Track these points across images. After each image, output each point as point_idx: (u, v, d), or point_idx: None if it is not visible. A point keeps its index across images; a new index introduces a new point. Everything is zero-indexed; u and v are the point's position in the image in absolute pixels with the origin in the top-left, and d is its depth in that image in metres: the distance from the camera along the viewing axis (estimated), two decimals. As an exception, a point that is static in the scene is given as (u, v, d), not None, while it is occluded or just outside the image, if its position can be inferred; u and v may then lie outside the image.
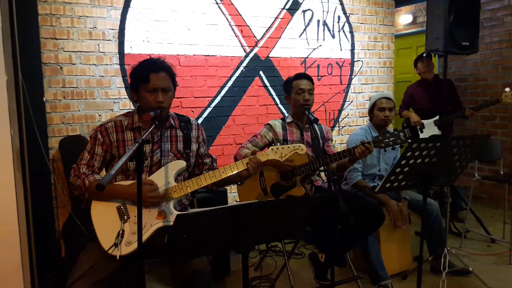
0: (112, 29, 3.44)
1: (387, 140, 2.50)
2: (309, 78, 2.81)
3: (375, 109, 3.16)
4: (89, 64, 3.38)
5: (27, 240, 2.65)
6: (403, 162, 2.03)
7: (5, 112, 2.45)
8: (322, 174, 3.20)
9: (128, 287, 1.97)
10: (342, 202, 2.08)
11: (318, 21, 4.40)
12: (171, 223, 1.90)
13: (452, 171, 2.26)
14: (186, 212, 1.35)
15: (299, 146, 2.11)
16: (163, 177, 1.98)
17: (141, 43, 3.56)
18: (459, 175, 2.33)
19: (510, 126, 4.88)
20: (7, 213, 2.47)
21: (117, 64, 3.48)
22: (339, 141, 4.58)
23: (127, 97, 3.54)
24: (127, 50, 3.52)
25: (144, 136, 1.63)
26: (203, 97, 3.88)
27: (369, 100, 3.30)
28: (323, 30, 4.45)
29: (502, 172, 4.02)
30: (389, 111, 3.11)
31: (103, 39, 3.41)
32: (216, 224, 1.42)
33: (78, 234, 2.89)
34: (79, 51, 3.33)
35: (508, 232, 3.58)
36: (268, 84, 4.18)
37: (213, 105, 3.93)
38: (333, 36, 4.50)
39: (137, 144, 1.54)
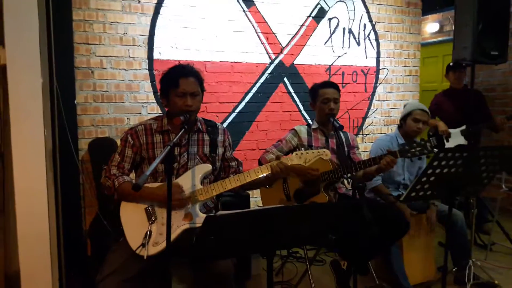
0: (142, 35, 3.54)
1: (413, 150, 2.48)
2: (335, 87, 2.82)
3: (409, 118, 3.10)
4: (119, 69, 3.48)
5: (57, 238, 2.73)
6: (429, 171, 2.02)
7: (40, 114, 2.54)
8: (345, 181, 3.20)
9: (155, 287, 2.01)
10: (366, 210, 2.09)
11: (344, 28, 4.41)
12: (197, 225, 1.95)
13: (479, 182, 2.23)
14: (215, 214, 1.38)
15: (324, 151, 2.10)
16: (190, 180, 2.03)
17: (169, 49, 3.65)
18: (486, 186, 2.30)
19: (540, 137, 4.76)
20: (38, 211, 2.55)
21: (146, 69, 3.58)
22: (362, 149, 4.56)
23: (155, 101, 3.62)
24: (156, 56, 3.61)
25: (175, 139, 1.68)
26: (228, 102, 3.94)
27: (404, 107, 3.26)
28: (349, 38, 4.46)
29: (530, 184, 3.94)
30: (422, 124, 3.06)
31: (133, 45, 3.51)
32: (243, 226, 1.45)
33: (105, 234, 2.97)
34: (110, 56, 3.44)
35: (535, 246, 3.49)
36: (292, 91, 4.21)
37: (237, 110, 3.98)
38: (358, 44, 4.50)
39: (169, 147, 1.59)
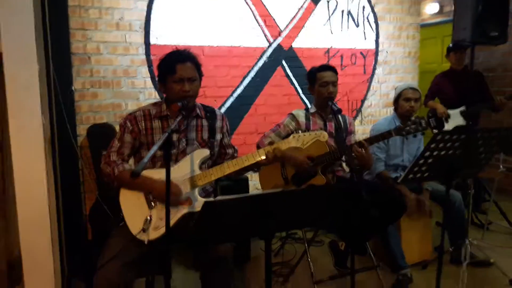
0: (139, 20, 3.52)
1: (408, 127, 2.51)
2: (333, 70, 2.81)
3: (400, 99, 3.14)
4: (116, 54, 3.47)
5: (57, 223, 2.76)
6: (427, 153, 2.03)
7: (37, 100, 2.54)
8: (344, 164, 3.22)
9: (155, 270, 2.04)
10: (364, 192, 2.11)
11: (343, 11, 4.37)
12: (196, 210, 1.96)
13: (477, 163, 2.24)
14: (213, 199, 1.40)
15: (321, 133, 2.07)
16: (189, 165, 2.04)
17: (166, 34, 3.62)
18: (484, 167, 2.32)
19: (538, 118, 4.77)
20: (38, 198, 2.57)
21: (143, 54, 3.56)
22: (361, 131, 4.56)
23: (152, 86, 3.62)
24: (152, 40, 3.59)
25: (173, 125, 1.69)
26: (226, 86, 3.93)
27: (395, 90, 3.28)
28: (347, 20, 4.41)
29: (528, 164, 3.96)
30: (414, 102, 3.08)
31: (129, 30, 3.49)
32: (241, 211, 1.47)
33: (105, 219, 3.01)
34: (107, 41, 3.42)
35: (532, 225, 3.53)
36: (290, 74, 4.20)
37: (235, 94, 3.98)
38: (357, 26, 4.46)
39: (167, 134, 1.60)
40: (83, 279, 2.84)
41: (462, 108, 4.07)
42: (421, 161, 2.07)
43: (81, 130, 3.37)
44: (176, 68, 2.03)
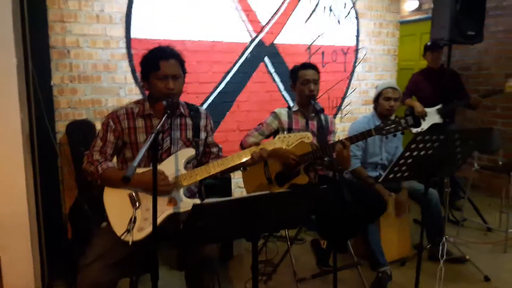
0: (119, 13, 3.44)
1: (388, 127, 2.55)
2: (315, 68, 2.84)
3: (380, 98, 3.19)
4: (96, 48, 3.39)
5: (36, 222, 2.71)
6: (407, 154, 2.08)
7: (15, 96, 2.48)
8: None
9: (140, 270, 2.03)
10: (346, 192, 2.15)
11: (324, 7, 4.39)
12: (181, 210, 1.96)
13: (454, 162, 2.31)
14: (202, 202, 1.40)
15: (306, 134, 2.12)
16: (173, 165, 2.03)
17: (147, 28, 3.56)
18: (461, 167, 2.39)
19: (511, 116, 4.92)
20: (17, 194, 2.52)
21: (123, 48, 3.49)
22: (341, 129, 4.62)
23: (133, 82, 3.56)
24: (133, 34, 3.52)
25: (159, 126, 1.67)
26: (208, 82, 3.90)
27: (376, 88, 3.32)
28: (329, 16, 4.44)
29: (500, 162, 4.08)
30: (394, 101, 3.14)
31: (110, 23, 3.41)
32: (229, 213, 1.49)
33: (85, 218, 2.96)
34: (86, 35, 3.33)
35: (504, 221, 3.66)
36: (272, 71, 4.20)
37: (217, 91, 3.96)
38: (338, 23, 4.50)
39: (154, 134, 1.58)
40: (64, 279, 2.79)
41: (439, 106, 4.16)
42: (401, 161, 2.12)
43: (60, 127, 3.29)
44: (160, 65, 2.00)
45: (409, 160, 2.12)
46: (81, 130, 3.20)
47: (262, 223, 1.56)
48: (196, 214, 1.38)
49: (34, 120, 2.74)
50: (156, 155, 1.66)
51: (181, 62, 2.10)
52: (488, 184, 5.02)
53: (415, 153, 2.09)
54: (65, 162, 3.27)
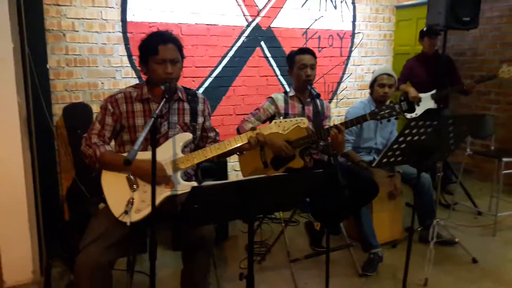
0: (115, -4, 3.42)
1: (382, 112, 2.58)
2: (311, 53, 2.85)
3: (375, 84, 3.22)
4: (92, 32, 3.38)
5: (34, 204, 2.75)
6: (400, 139, 2.12)
7: (13, 79, 2.49)
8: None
9: (137, 250, 2.08)
10: (340, 175, 2.20)
11: (321, -9, 4.37)
12: (179, 192, 2.00)
13: (447, 148, 2.36)
14: (201, 185, 1.44)
15: (301, 119, 2.17)
16: (171, 149, 2.06)
17: (143, 11, 3.55)
18: (454, 151, 2.44)
19: (504, 101, 4.97)
20: (14, 177, 2.55)
21: (119, 32, 3.48)
22: (336, 113, 4.66)
23: (129, 65, 3.56)
24: (129, 17, 3.51)
25: (158, 110, 1.69)
26: (204, 67, 3.90)
27: (372, 73, 3.34)
28: (326, 1, 4.43)
29: (493, 147, 4.14)
30: (388, 88, 3.17)
31: (106, 6, 3.39)
32: (226, 196, 1.53)
33: (82, 199, 3.00)
34: (82, 18, 3.32)
35: (494, 205, 3.73)
36: (269, 55, 4.20)
37: (214, 75, 3.96)
38: (335, 7, 4.49)
39: (153, 119, 1.61)
40: (62, 260, 2.84)
41: (433, 92, 4.19)
42: (395, 146, 2.16)
43: (57, 110, 3.30)
44: (159, 49, 2.01)
45: (403, 145, 2.17)
46: (78, 113, 3.23)
47: (259, 205, 1.61)
48: (195, 196, 1.42)
49: (31, 103, 2.75)
50: (155, 139, 1.69)
51: (179, 46, 2.11)
52: (480, 169, 5.10)
53: (408, 138, 2.13)
54: (62, 144, 3.29)
